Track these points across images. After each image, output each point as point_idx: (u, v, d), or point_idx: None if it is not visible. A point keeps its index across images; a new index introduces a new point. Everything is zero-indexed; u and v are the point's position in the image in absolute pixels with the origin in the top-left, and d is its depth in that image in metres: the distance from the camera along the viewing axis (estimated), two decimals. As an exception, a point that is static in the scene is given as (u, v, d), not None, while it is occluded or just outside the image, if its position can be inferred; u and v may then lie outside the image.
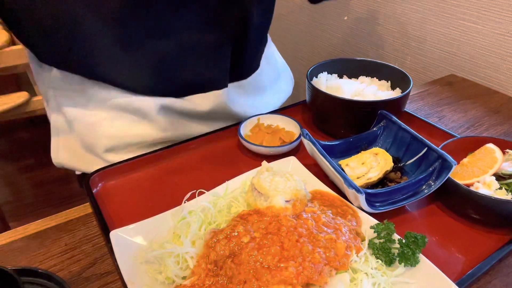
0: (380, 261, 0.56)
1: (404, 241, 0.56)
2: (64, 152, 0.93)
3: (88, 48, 0.78)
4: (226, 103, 0.93)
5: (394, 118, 0.79)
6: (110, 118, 0.87)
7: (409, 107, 1.04)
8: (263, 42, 1.05)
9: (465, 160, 0.74)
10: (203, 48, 0.85)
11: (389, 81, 0.93)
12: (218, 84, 0.91)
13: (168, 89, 0.88)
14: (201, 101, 0.90)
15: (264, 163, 0.68)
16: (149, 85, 0.86)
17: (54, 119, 0.91)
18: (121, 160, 0.79)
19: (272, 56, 1.12)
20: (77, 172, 0.99)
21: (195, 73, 0.89)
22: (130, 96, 0.86)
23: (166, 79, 0.87)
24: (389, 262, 0.55)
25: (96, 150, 0.88)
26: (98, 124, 0.87)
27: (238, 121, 0.91)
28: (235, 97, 0.97)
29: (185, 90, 0.90)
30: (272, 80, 1.10)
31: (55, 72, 0.86)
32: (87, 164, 0.91)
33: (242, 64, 0.97)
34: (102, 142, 0.87)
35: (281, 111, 0.98)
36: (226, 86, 0.92)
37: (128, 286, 0.51)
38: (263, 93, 1.06)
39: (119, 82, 0.85)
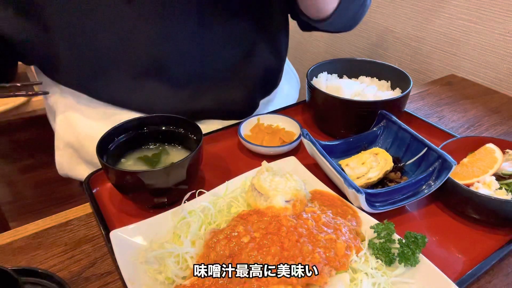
0: (380, 261, 0.56)
1: (404, 241, 0.56)
2: (71, 164, 0.93)
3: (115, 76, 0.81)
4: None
5: (394, 118, 0.79)
6: None
7: (409, 107, 1.04)
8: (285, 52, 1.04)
9: (465, 160, 0.74)
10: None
11: (389, 81, 0.93)
12: (246, 111, 0.94)
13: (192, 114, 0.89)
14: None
15: (264, 163, 0.68)
16: (174, 108, 0.87)
17: (62, 133, 0.91)
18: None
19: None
20: None
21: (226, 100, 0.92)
22: None
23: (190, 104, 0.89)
24: (389, 262, 0.55)
25: None
26: None
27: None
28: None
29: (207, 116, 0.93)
30: (281, 83, 1.09)
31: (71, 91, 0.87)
32: None
33: (270, 85, 1.01)
34: None
35: (281, 111, 0.98)
36: (252, 112, 0.96)
37: (128, 286, 0.51)
38: (272, 100, 1.06)
39: (143, 107, 0.87)
